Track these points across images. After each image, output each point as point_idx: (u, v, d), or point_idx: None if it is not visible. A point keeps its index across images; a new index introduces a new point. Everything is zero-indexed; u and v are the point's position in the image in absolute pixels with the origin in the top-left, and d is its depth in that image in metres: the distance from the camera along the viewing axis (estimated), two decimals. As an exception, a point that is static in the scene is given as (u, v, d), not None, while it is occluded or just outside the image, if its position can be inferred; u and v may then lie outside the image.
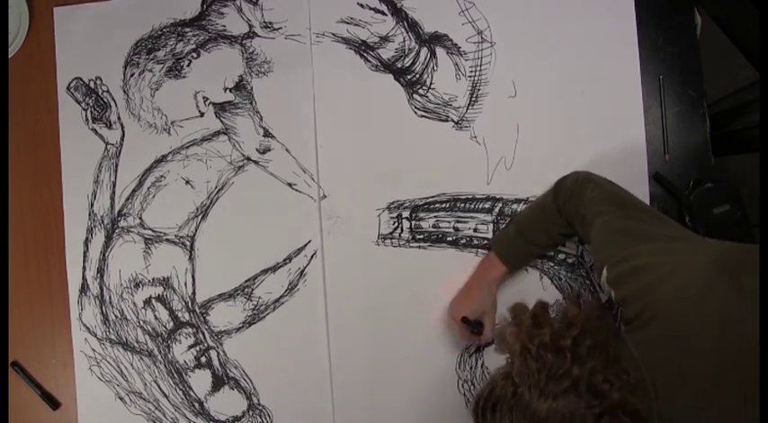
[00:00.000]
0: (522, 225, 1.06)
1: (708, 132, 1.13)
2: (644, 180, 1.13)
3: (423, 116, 1.17)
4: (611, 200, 0.95)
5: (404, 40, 1.18)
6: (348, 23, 1.19)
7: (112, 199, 1.22)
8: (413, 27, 1.18)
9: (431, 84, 1.17)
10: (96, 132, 1.23)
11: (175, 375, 1.19)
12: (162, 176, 1.21)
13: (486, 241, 1.15)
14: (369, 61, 1.19)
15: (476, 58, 1.17)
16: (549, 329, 0.73)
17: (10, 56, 1.25)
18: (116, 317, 1.21)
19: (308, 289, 1.17)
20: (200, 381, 1.19)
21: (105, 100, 1.23)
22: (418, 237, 1.16)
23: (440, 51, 1.17)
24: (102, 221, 1.22)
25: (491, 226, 1.15)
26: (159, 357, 1.20)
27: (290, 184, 1.19)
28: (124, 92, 1.23)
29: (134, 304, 1.21)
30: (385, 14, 1.19)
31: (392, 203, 1.17)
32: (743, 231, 1.09)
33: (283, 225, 1.19)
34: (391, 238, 1.17)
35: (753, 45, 1.27)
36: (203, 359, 1.19)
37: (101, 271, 1.21)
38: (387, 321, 1.16)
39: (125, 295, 1.21)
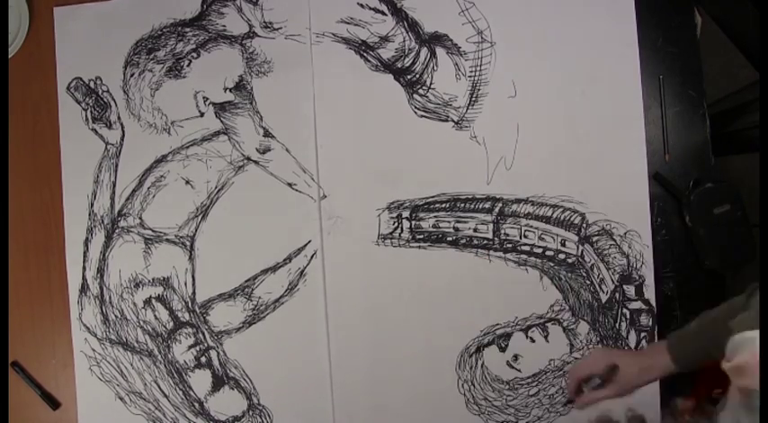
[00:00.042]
0: (706, 319, 0.89)
1: (708, 132, 1.14)
2: (644, 180, 1.13)
3: (423, 116, 1.17)
4: None
5: (404, 40, 1.18)
6: (348, 23, 1.19)
7: (112, 199, 1.22)
8: (413, 27, 1.18)
9: (431, 84, 1.17)
10: (96, 132, 1.23)
11: (175, 375, 1.19)
12: (162, 176, 1.21)
13: (486, 241, 1.15)
14: (369, 61, 1.19)
15: (476, 58, 1.17)
16: None
17: (10, 56, 1.25)
18: (116, 317, 1.21)
19: (308, 289, 1.17)
20: (200, 381, 1.19)
21: (105, 100, 1.23)
22: (418, 237, 1.16)
23: (440, 51, 1.17)
24: (102, 221, 1.22)
25: (491, 226, 1.15)
26: (159, 357, 1.20)
27: (290, 184, 1.19)
28: (124, 92, 1.23)
29: (134, 304, 1.21)
30: (385, 14, 1.19)
31: (392, 203, 1.17)
32: (743, 231, 1.10)
33: (283, 225, 1.19)
34: (391, 238, 1.17)
35: (753, 45, 1.27)
36: (203, 359, 1.19)
37: (101, 271, 1.21)
38: (387, 321, 1.16)
39: (125, 295, 1.21)
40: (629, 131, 1.13)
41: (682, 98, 1.14)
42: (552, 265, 1.14)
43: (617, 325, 1.13)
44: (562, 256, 1.14)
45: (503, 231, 1.15)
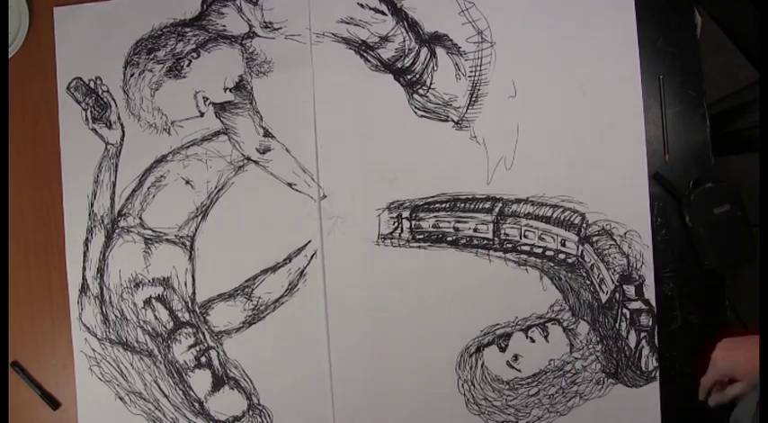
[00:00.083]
0: None
1: (708, 132, 1.14)
2: (644, 180, 1.13)
3: (423, 116, 1.17)
4: None
5: (404, 40, 1.18)
6: (348, 23, 1.19)
7: (112, 199, 1.22)
8: (413, 27, 1.18)
9: (431, 84, 1.17)
10: (96, 132, 1.23)
11: (175, 375, 1.19)
12: (162, 176, 1.21)
13: (486, 241, 1.15)
14: (369, 61, 1.19)
15: (476, 58, 1.17)
16: None
17: (10, 56, 1.25)
18: (116, 317, 1.21)
19: (308, 289, 1.17)
20: (200, 381, 1.19)
21: (105, 100, 1.23)
22: (418, 237, 1.16)
23: (440, 51, 1.17)
24: (102, 221, 1.22)
25: (491, 226, 1.15)
26: (159, 357, 1.20)
27: (290, 184, 1.19)
28: (124, 92, 1.23)
29: (134, 304, 1.21)
30: (385, 14, 1.19)
31: (392, 203, 1.17)
32: (743, 231, 1.10)
33: (283, 225, 1.19)
34: (391, 238, 1.17)
35: (753, 45, 1.27)
36: (203, 359, 1.19)
37: (101, 271, 1.21)
38: (387, 321, 1.16)
39: (125, 295, 1.21)
40: (629, 131, 1.13)
41: (682, 98, 1.14)
42: (552, 265, 1.14)
43: (617, 325, 1.13)
44: (562, 256, 1.14)
45: (503, 231, 1.15)
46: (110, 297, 1.21)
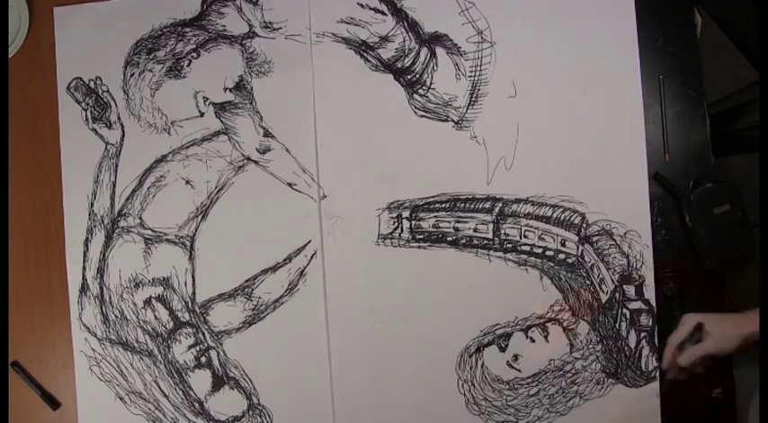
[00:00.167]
0: None
1: (708, 132, 1.14)
2: (644, 180, 1.13)
3: (423, 116, 1.17)
4: None
5: (404, 40, 1.18)
6: (348, 23, 1.19)
7: (112, 199, 1.22)
8: (413, 27, 1.18)
9: (431, 84, 1.17)
10: (96, 132, 1.23)
11: (175, 375, 1.19)
12: (162, 176, 1.21)
13: (486, 241, 1.15)
14: (369, 61, 1.19)
15: (476, 58, 1.17)
16: None
17: (10, 56, 1.25)
18: (116, 317, 1.21)
19: (308, 289, 1.17)
20: (200, 381, 1.19)
21: (105, 100, 1.23)
22: (418, 237, 1.16)
23: (440, 51, 1.17)
24: (102, 221, 1.22)
25: (491, 226, 1.15)
26: (159, 357, 1.20)
27: (290, 184, 1.19)
28: (124, 92, 1.23)
29: (134, 304, 1.21)
30: (385, 14, 1.19)
31: (392, 203, 1.17)
32: (743, 231, 1.10)
33: (283, 225, 1.19)
34: (391, 238, 1.17)
35: (753, 45, 1.27)
36: (203, 359, 1.19)
37: (101, 271, 1.21)
38: (387, 321, 1.16)
39: (125, 295, 1.21)
40: (629, 131, 1.13)
41: (682, 98, 1.14)
42: (552, 265, 1.14)
43: (617, 325, 1.13)
44: (562, 256, 1.14)
45: (503, 231, 1.15)
46: (110, 297, 1.21)
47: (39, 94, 1.24)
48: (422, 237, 1.16)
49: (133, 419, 1.19)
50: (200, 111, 1.21)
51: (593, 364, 1.13)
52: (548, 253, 1.14)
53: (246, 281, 1.19)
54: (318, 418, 1.16)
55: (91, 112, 1.23)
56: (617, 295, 1.13)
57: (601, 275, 1.13)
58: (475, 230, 1.15)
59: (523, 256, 1.14)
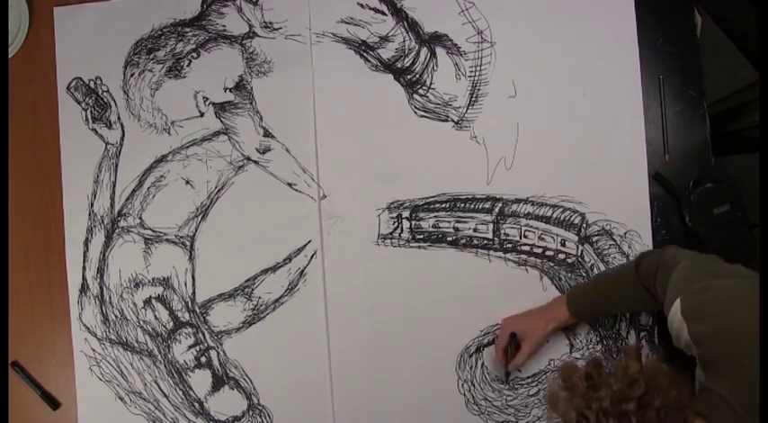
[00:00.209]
0: (601, 280, 1.06)
1: (708, 132, 1.13)
2: (644, 180, 1.13)
3: (423, 116, 1.17)
4: (697, 257, 0.88)
5: (404, 40, 1.18)
6: (348, 23, 1.19)
7: (112, 199, 1.22)
8: (413, 27, 1.18)
9: (431, 84, 1.17)
10: (96, 132, 1.23)
11: (175, 375, 1.19)
12: (162, 176, 1.21)
13: (486, 241, 1.15)
14: (369, 61, 1.19)
15: (476, 58, 1.17)
16: (607, 391, 0.62)
17: (10, 56, 1.25)
18: (116, 317, 1.21)
19: (308, 289, 1.17)
20: (200, 381, 1.19)
21: (105, 100, 1.23)
22: (418, 237, 1.16)
23: (440, 51, 1.17)
24: (102, 221, 1.22)
25: (491, 226, 1.15)
26: (159, 357, 1.20)
27: (290, 184, 1.19)
28: (124, 92, 1.23)
29: (134, 304, 1.21)
30: (385, 14, 1.19)
31: (392, 203, 1.17)
32: (743, 231, 1.09)
33: (283, 225, 1.19)
34: (391, 238, 1.17)
35: (753, 45, 1.27)
36: (203, 359, 1.19)
37: (101, 271, 1.21)
38: (387, 321, 1.16)
39: (125, 295, 1.21)
40: (629, 131, 1.13)
41: (682, 98, 1.14)
42: (552, 265, 1.14)
43: (617, 325, 1.13)
44: (562, 256, 1.14)
45: (503, 231, 1.15)
46: (110, 297, 1.21)
47: (39, 94, 1.24)
48: (422, 237, 1.16)
49: (133, 419, 1.19)
50: (200, 111, 1.21)
51: (593, 364, 1.13)
52: (548, 253, 1.14)
53: (246, 281, 1.19)
54: (318, 418, 1.16)
55: (91, 112, 1.23)
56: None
57: (601, 275, 1.13)
58: (475, 230, 1.15)
59: (523, 256, 1.14)
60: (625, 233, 1.12)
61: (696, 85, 1.14)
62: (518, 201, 1.15)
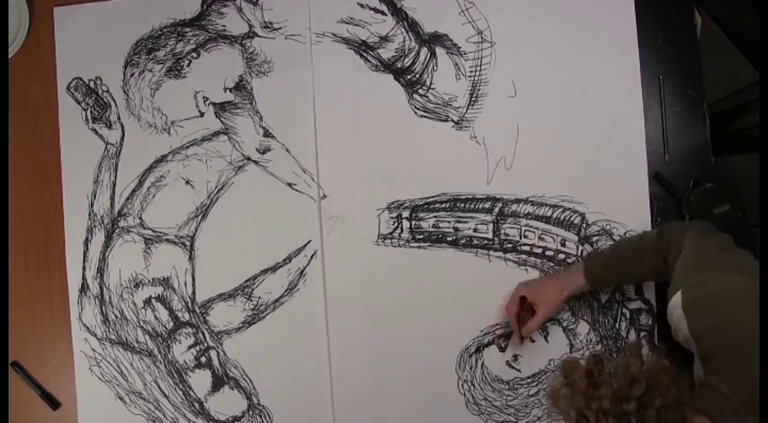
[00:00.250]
0: (620, 249, 1.03)
1: (708, 132, 1.13)
2: (644, 180, 1.13)
3: (423, 116, 1.17)
4: (709, 238, 0.87)
5: (404, 40, 1.18)
6: (348, 23, 1.19)
7: (112, 199, 1.22)
8: (413, 27, 1.18)
9: (431, 84, 1.17)
10: (96, 132, 1.23)
11: (175, 375, 1.19)
12: (162, 176, 1.21)
13: (486, 241, 1.15)
14: (369, 61, 1.19)
15: (476, 58, 1.17)
16: (608, 390, 0.62)
17: (10, 56, 1.25)
18: (116, 317, 1.21)
19: (308, 289, 1.17)
20: (200, 381, 1.19)
21: (105, 100, 1.23)
22: (418, 237, 1.16)
23: (440, 51, 1.17)
24: (102, 221, 1.22)
25: (491, 226, 1.15)
26: (159, 357, 1.20)
27: (290, 184, 1.19)
28: (124, 92, 1.23)
29: (134, 304, 1.21)
30: (385, 14, 1.19)
31: (392, 203, 1.17)
32: (743, 231, 1.09)
33: (283, 225, 1.19)
34: (391, 238, 1.17)
35: (753, 45, 1.27)
36: (203, 359, 1.19)
37: (101, 271, 1.21)
38: (387, 321, 1.16)
39: (125, 295, 1.21)
40: (629, 131, 1.13)
41: (682, 98, 1.14)
42: (552, 265, 1.14)
43: (617, 325, 1.13)
44: (562, 256, 1.14)
45: (503, 231, 1.15)
46: (110, 297, 1.21)
47: (39, 94, 1.24)
48: (422, 237, 1.16)
49: (133, 419, 1.19)
50: (200, 111, 1.21)
51: (593, 364, 1.13)
52: (548, 253, 1.14)
53: (246, 281, 1.19)
54: (318, 418, 1.16)
55: (91, 112, 1.23)
56: (617, 295, 1.12)
57: (601, 275, 1.13)
58: (475, 230, 1.15)
59: (523, 256, 1.14)
60: (625, 233, 1.12)
61: (696, 85, 1.14)
62: (518, 201, 1.15)
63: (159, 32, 1.22)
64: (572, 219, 1.14)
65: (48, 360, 1.22)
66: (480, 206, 1.15)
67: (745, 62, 1.31)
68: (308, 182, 1.19)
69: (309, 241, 1.18)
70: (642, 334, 1.12)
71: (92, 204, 1.22)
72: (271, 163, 1.20)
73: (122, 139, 1.22)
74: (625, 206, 1.13)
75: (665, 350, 0.72)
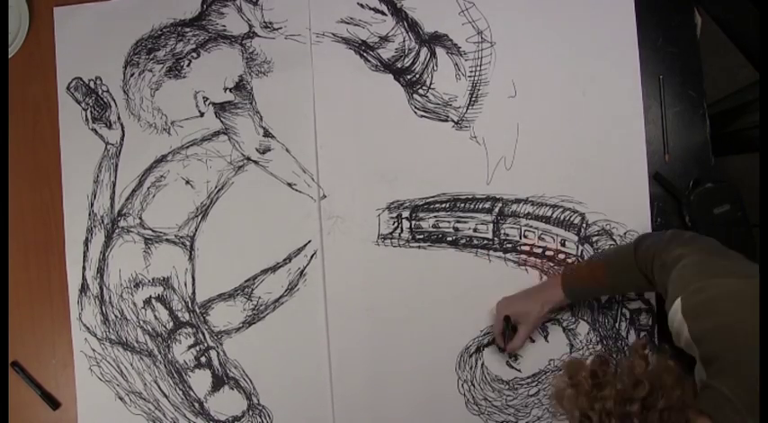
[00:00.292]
0: (596, 263, 1.04)
1: (708, 132, 1.13)
2: (644, 180, 1.13)
3: (423, 116, 1.17)
4: (699, 245, 0.88)
5: (404, 40, 1.18)
6: (348, 23, 1.19)
7: (112, 199, 1.22)
8: (413, 27, 1.18)
9: (431, 84, 1.17)
10: (96, 132, 1.23)
11: (175, 375, 1.19)
12: (162, 176, 1.21)
13: (486, 241, 1.15)
14: (369, 61, 1.19)
15: (476, 58, 1.17)
16: (612, 391, 0.62)
17: (10, 56, 1.25)
18: (116, 317, 1.21)
19: (308, 289, 1.17)
20: (200, 381, 1.19)
21: (105, 100, 1.23)
22: (418, 237, 1.16)
23: (440, 51, 1.17)
24: (102, 221, 1.22)
25: (491, 226, 1.15)
26: (159, 357, 1.20)
27: (290, 184, 1.19)
28: (124, 92, 1.23)
29: (134, 304, 1.21)
30: (385, 14, 1.19)
31: (392, 203, 1.17)
32: (743, 231, 1.09)
33: (283, 225, 1.19)
34: (391, 238, 1.17)
35: (753, 45, 1.27)
36: (203, 359, 1.19)
37: (101, 271, 1.21)
38: (387, 321, 1.16)
39: (125, 295, 1.21)
40: (629, 131, 1.13)
41: (682, 98, 1.14)
42: (552, 265, 1.14)
43: (617, 325, 1.13)
44: (562, 256, 1.14)
45: (503, 231, 1.15)
46: (110, 297, 1.21)
47: (39, 94, 1.24)
48: (422, 237, 1.16)
49: (133, 419, 1.19)
50: (200, 111, 1.21)
51: (593, 364, 1.13)
52: (548, 253, 1.14)
53: (246, 281, 1.19)
54: (318, 417, 1.16)
55: (91, 112, 1.23)
56: (616, 295, 1.12)
57: (601, 275, 1.13)
58: (475, 230, 1.15)
59: (523, 256, 1.14)
60: (625, 233, 1.12)
61: (696, 85, 1.14)
62: (518, 201, 1.15)
63: (159, 32, 1.22)
64: (572, 219, 1.14)
65: (48, 360, 1.22)
66: (480, 206, 1.15)
67: (745, 62, 1.31)
68: (308, 182, 1.19)
69: (309, 241, 1.18)
70: (642, 334, 1.12)
71: (92, 204, 1.22)
72: (271, 163, 1.20)
73: (122, 139, 1.22)
74: (625, 206, 1.13)
75: (671, 351, 0.72)
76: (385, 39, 1.18)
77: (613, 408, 0.61)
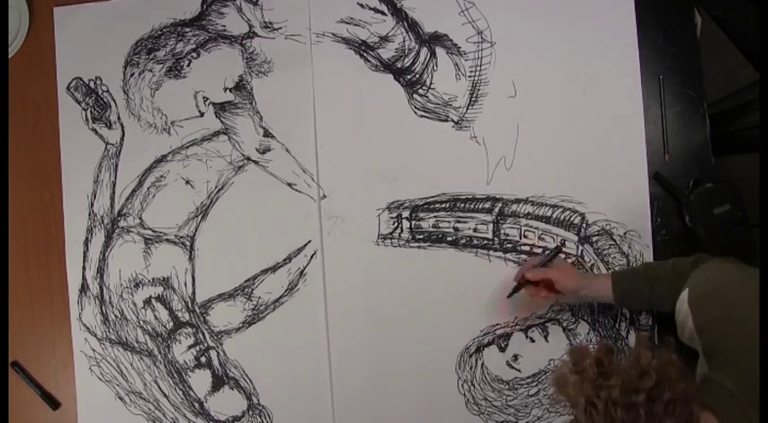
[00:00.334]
0: (651, 272, 0.98)
1: (708, 132, 1.13)
2: (644, 180, 1.13)
3: (423, 116, 1.17)
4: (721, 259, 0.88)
5: (404, 40, 1.18)
6: (348, 23, 1.19)
7: (112, 199, 1.22)
8: (413, 27, 1.18)
9: (431, 84, 1.17)
10: (96, 132, 1.23)
11: (175, 375, 1.19)
12: (162, 176, 1.21)
13: (486, 241, 1.15)
14: (369, 61, 1.19)
15: (476, 58, 1.17)
16: (618, 380, 0.61)
17: (10, 56, 1.25)
18: (116, 317, 1.21)
19: (308, 289, 1.17)
20: (200, 381, 1.19)
21: (105, 100, 1.23)
22: (418, 237, 1.16)
23: (440, 51, 1.17)
24: (102, 221, 1.22)
25: (491, 226, 1.15)
26: (159, 357, 1.20)
27: (290, 184, 1.19)
28: (124, 92, 1.23)
29: (134, 304, 1.21)
30: (385, 14, 1.19)
31: (392, 203, 1.17)
32: (743, 231, 1.09)
33: (283, 225, 1.19)
34: (391, 238, 1.17)
35: (753, 45, 1.27)
36: (203, 359, 1.19)
37: (101, 271, 1.21)
38: (387, 321, 1.16)
39: (125, 295, 1.21)
40: (629, 131, 1.13)
41: (682, 98, 1.14)
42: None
43: (617, 325, 1.13)
44: (562, 256, 1.14)
45: (503, 231, 1.15)
46: (110, 297, 1.21)
47: (39, 94, 1.25)
48: (422, 237, 1.16)
49: (133, 419, 1.19)
50: (200, 111, 1.21)
51: (593, 364, 1.13)
52: (548, 253, 1.14)
53: (246, 281, 1.19)
54: (318, 417, 1.16)
55: (91, 112, 1.23)
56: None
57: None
58: (475, 230, 1.15)
59: (523, 256, 1.14)
60: (625, 233, 1.12)
61: (696, 85, 1.14)
62: (518, 201, 1.15)
63: (159, 32, 1.22)
64: (572, 219, 1.14)
65: (48, 360, 1.22)
66: (480, 206, 1.15)
67: (745, 62, 1.31)
68: (308, 182, 1.19)
69: (309, 241, 1.18)
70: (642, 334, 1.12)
71: (92, 204, 1.22)
72: (271, 163, 1.20)
73: (122, 139, 1.22)
74: (625, 206, 1.13)
75: (675, 344, 0.72)
76: (385, 39, 1.18)
77: (619, 397, 0.60)
